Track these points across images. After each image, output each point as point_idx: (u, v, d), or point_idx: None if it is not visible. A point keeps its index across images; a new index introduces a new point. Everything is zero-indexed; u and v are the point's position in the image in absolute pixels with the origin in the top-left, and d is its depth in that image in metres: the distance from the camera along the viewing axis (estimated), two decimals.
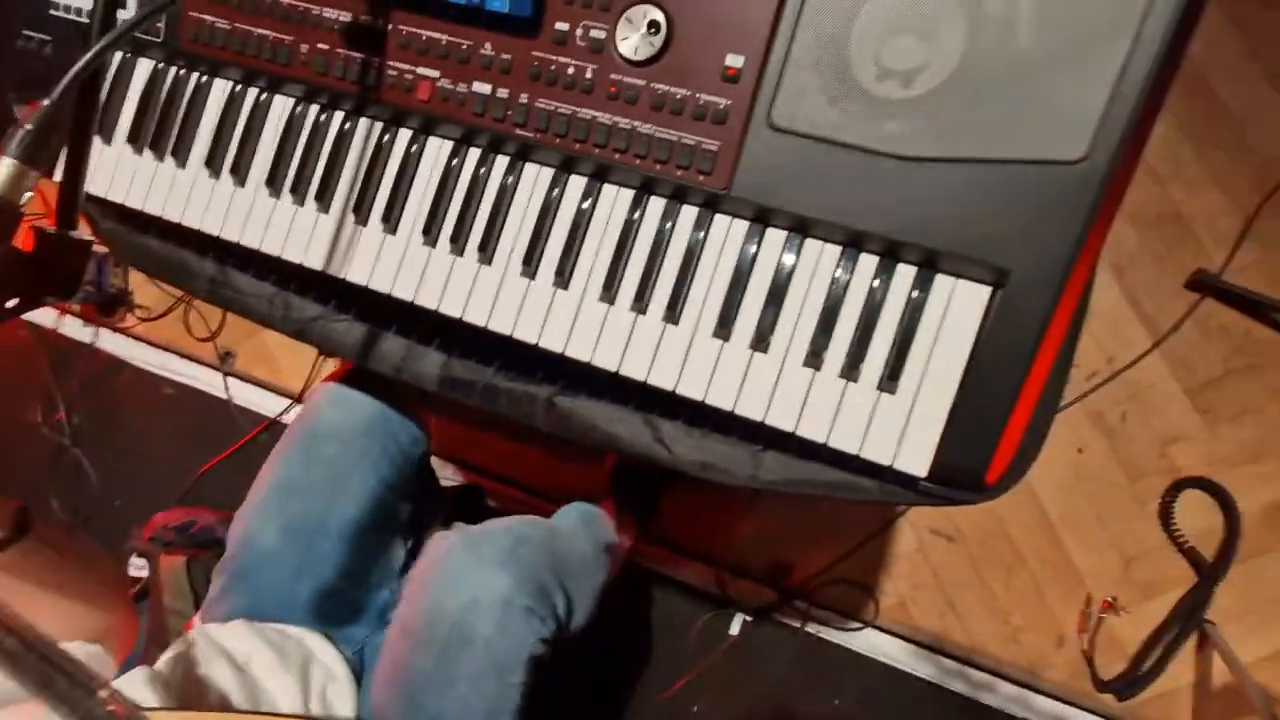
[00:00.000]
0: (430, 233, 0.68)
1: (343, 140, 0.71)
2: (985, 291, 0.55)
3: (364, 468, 0.80)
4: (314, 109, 0.72)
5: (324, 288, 0.74)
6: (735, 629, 1.45)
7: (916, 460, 0.56)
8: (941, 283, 0.57)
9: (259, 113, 0.73)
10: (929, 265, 0.57)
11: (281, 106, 0.73)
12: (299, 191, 0.72)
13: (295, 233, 0.71)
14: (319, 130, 0.72)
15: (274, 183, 0.72)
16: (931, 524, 1.45)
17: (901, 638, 1.42)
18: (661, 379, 0.62)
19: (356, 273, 0.69)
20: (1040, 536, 1.41)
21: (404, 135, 0.69)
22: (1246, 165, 1.36)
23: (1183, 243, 1.37)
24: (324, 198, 0.70)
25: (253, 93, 0.74)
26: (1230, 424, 1.33)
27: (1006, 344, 0.54)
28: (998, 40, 0.52)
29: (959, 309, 0.56)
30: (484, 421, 1.56)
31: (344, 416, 0.82)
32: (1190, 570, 1.35)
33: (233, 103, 0.74)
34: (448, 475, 1.62)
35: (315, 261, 0.70)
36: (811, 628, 1.43)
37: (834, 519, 1.47)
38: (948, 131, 0.53)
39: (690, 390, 0.61)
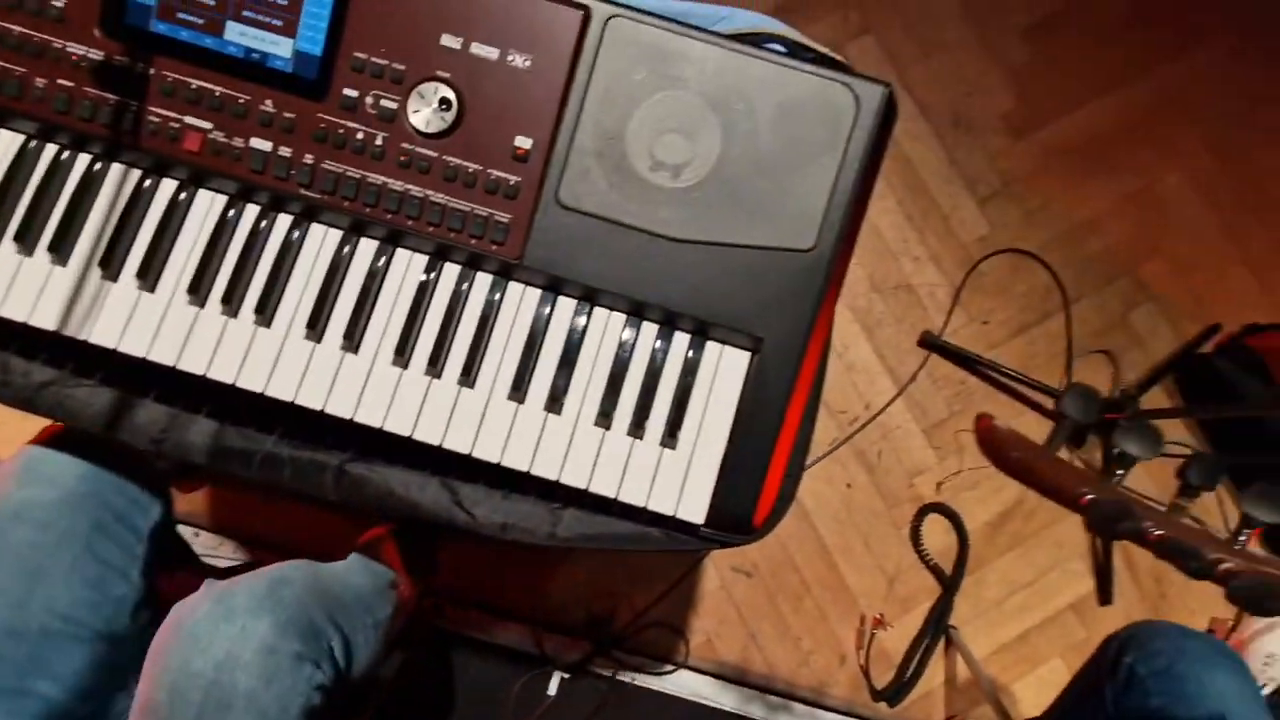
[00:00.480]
0: (198, 291, 0.62)
1: (89, 184, 0.63)
2: (746, 356, 0.64)
3: (72, 552, 0.64)
4: (51, 147, 0.64)
5: (59, 349, 0.64)
6: (553, 688, 1.43)
7: (696, 509, 0.62)
8: (711, 349, 0.64)
9: None
10: (701, 333, 0.64)
11: (8, 140, 0.63)
12: (25, 239, 0.62)
13: (19, 286, 0.61)
14: (57, 170, 0.63)
15: None
16: (731, 562, 1.56)
17: (708, 674, 1.49)
18: (458, 443, 0.62)
19: (103, 334, 0.61)
20: (821, 564, 1.57)
21: (168, 185, 0.64)
22: (953, 248, 1.70)
23: (913, 309, 1.66)
24: (60, 248, 0.62)
25: None
26: (954, 456, 1.61)
27: (763, 401, 0.63)
28: (746, 147, 0.61)
29: (725, 372, 0.63)
30: (267, 490, 1.41)
31: (40, 491, 0.66)
32: (936, 583, 1.58)
33: None
34: (224, 553, 1.43)
35: (47, 320, 0.61)
36: (626, 675, 1.45)
37: (644, 565, 1.52)
38: (709, 219, 0.61)
39: (487, 453, 0.62)
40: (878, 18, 1.81)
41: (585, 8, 0.60)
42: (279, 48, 0.61)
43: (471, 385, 0.62)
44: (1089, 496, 0.46)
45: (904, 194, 1.73)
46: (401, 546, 1.22)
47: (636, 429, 0.63)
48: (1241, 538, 0.48)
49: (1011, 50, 1.81)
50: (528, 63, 0.60)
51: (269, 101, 0.61)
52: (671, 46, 0.61)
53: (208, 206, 0.64)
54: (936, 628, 1.54)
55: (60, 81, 0.61)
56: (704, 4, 0.81)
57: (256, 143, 0.61)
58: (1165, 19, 1.85)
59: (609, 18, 0.60)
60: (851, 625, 1.56)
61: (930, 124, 1.77)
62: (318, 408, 0.62)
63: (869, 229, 1.71)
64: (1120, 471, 1.47)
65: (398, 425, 0.62)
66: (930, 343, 1.61)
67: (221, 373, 0.61)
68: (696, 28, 0.62)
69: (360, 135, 0.61)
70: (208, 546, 1.42)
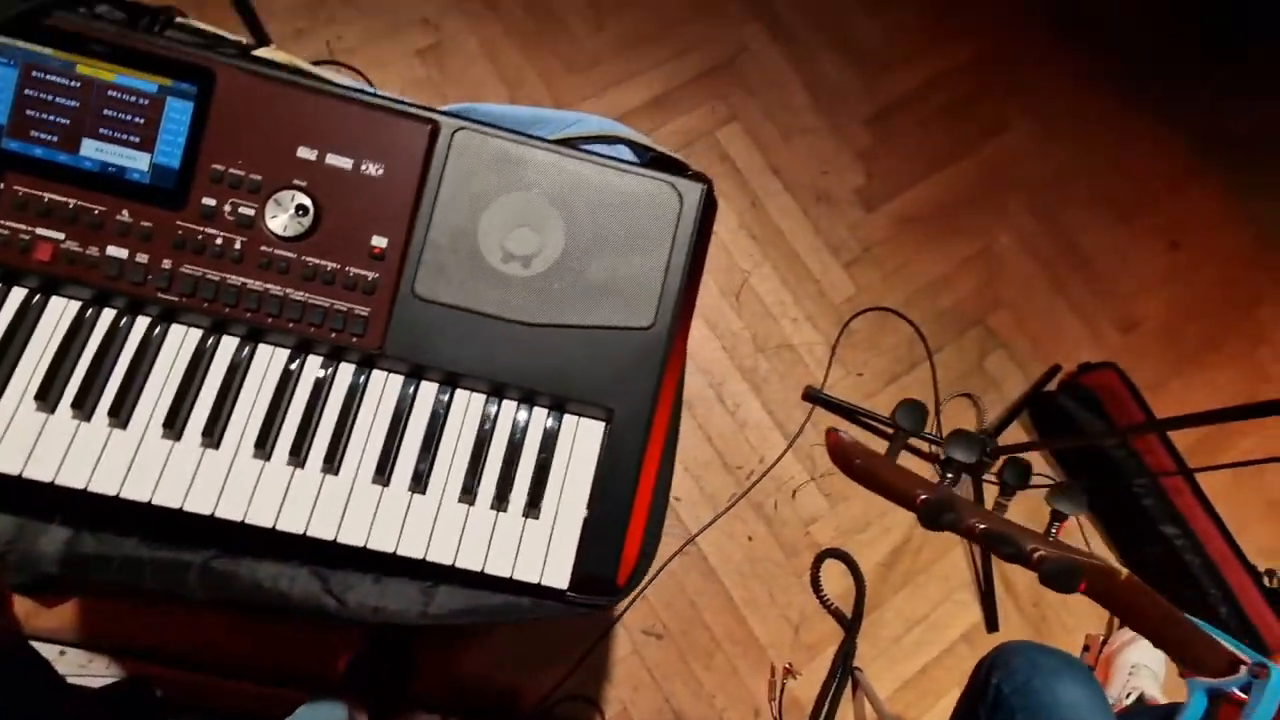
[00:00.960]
0: (46, 397, 0.62)
1: None
2: (600, 427, 0.69)
3: None
4: None
5: None
6: None
7: (559, 575, 0.65)
8: (568, 422, 0.69)
9: None
10: (558, 408, 0.69)
11: None
12: None
13: None
14: None
15: None
16: (642, 625, 1.57)
17: None
18: (324, 530, 0.63)
19: None
20: (729, 618, 1.60)
21: (17, 293, 0.64)
22: (826, 309, 1.85)
23: (796, 366, 1.78)
24: None
25: None
26: (844, 502, 1.70)
27: (619, 467, 0.67)
28: (587, 239, 0.68)
29: (582, 443, 0.68)
30: (129, 595, 1.32)
31: None
32: (838, 627, 1.64)
33: None
34: (95, 670, 1.31)
35: None
36: None
37: (554, 638, 1.50)
38: (558, 304, 0.67)
39: (353, 538, 0.63)
40: (741, 108, 2.00)
41: (434, 122, 0.67)
42: (136, 161, 0.64)
43: (335, 472, 0.64)
44: (922, 496, 0.53)
45: (779, 262, 1.88)
46: (363, 688, 1.16)
47: (500, 502, 0.66)
48: (1053, 529, 0.56)
49: (858, 135, 2.04)
50: (380, 171, 0.65)
51: (125, 212, 0.63)
52: (515, 154, 0.68)
53: (60, 312, 0.64)
54: (843, 671, 1.59)
55: None
56: (557, 111, 0.91)
57: (113, 250, 0.63)
58: (978, 110, 2.14)
59: (455, 130, 0.67)
60: (763, 677, 1.58)
61: (797, 201, 1.95)
62: (175, 506, 0.61)
63: (751, 294, 1.84)
64: (1003, 502, 1.61)
65: (260, 517, 0.62)
66: (813, 396, 1.72)
67: (72, 478, 0.61)
68: (538, 137, 0.69)
69: (219, 241, 0.64)
70: (76, 665, 1.30)
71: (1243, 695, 0.51)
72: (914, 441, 1.70)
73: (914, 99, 2.12)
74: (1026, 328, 1.96)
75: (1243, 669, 0.52)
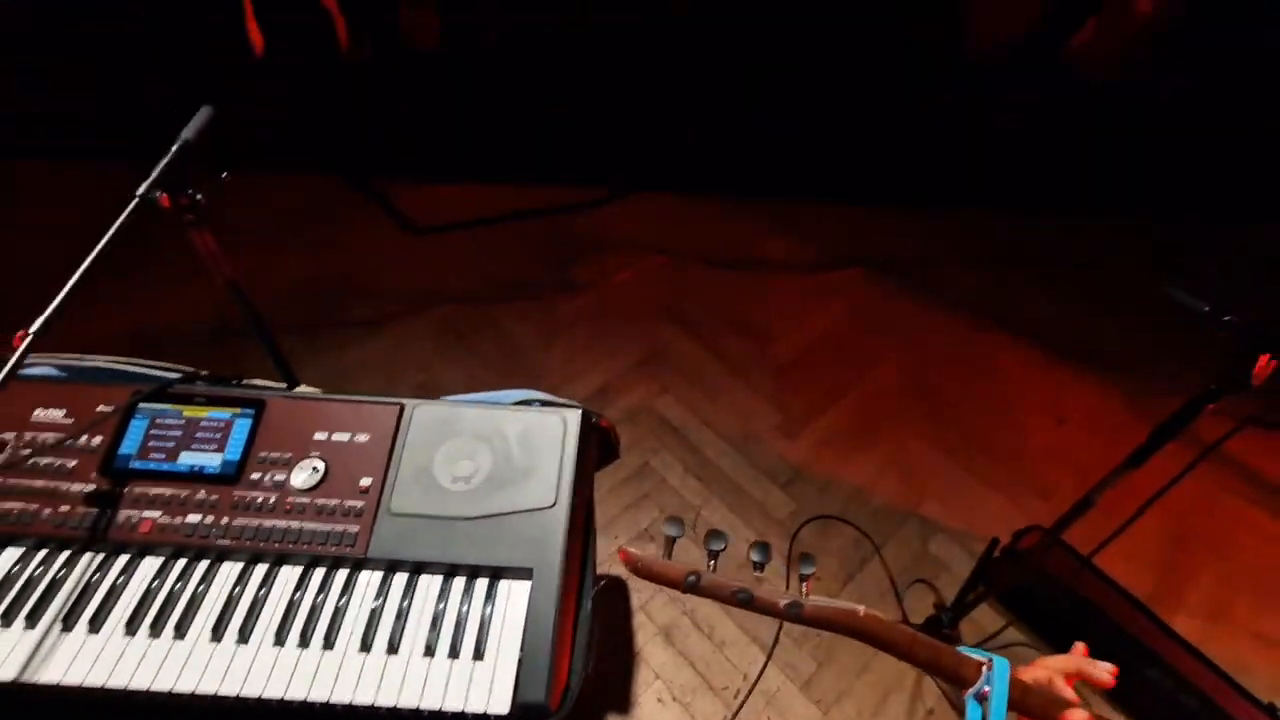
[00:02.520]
0: (131, 627, 0.87)
1: (67, 568, 0.91)
2: (526, 585, 0.92)
3: None
4: (41, 552, 0.93)
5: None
6: None
7: (502, 702, 0.83)
8: (503, 586, 0.93)
9: None
10: (495, 577, 0.94)
11: (10, 554, 0.93)
12: (8, 617, 0.87)
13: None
14: (43, 564, 0.92)
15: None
16: None
17: None
18: (320, 694, 0.83)
19: (57, 675, 0.83)
20: None
21: (122, 559, 0.93)
22: (773, 525, 2.08)
23: (759, 581, 1.94)
24: (34, 617, 0.87)
25: None
26: (836, 707, 1.71)
27: (542, 612, 0.89)
28: (507, 457, 1.01)
29: (514, 600, 0.91)
30: None
31: None
32: None
33: None
34: None
35: (9, 673, 0.82)
36: None
37: None
38: (490, 501, 0.97)
39: (340, 696, 0.82)
40: (671, 384, 2.50)
41: (401, 405, 1.05)
42: (213, 460, 0.99)
43: (331, 648, 0.86)
44: (690, 578, 0.74)
45: (724, 494, 2.17)
46: None
47: (453, 653, 0.86)
48: (803, 587, 0.76)
49: (767, 386, 2.50)
50: (367, 438, 1.01)
51: (202, 491, 0.96)
52: (453, 414, 1.04)
53: (149, 568, 0.93)
54: None
55: (61, 509, 0.94)
56: (499, 391, 1.30)
57: (191, 518, 0.94)
58: (859, 351, 2.67)
59: (415, 407, 1.05)
60: None
61: (729, 443, 2.32)
62: (231, 694, 0.82)
63: (705, 524, 2.08)
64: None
65: (275, 692, 0.82)
66: None
67: (164, 682, 0.82)
68: (469, 402, 1.07)
69: (260, 499, 0.96)
70: None
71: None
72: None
73: (804, 353, 2.65)
74: (956, 510, 2.17)
75: (984, 669, 0.70)
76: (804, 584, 0.79)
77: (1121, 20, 3.47)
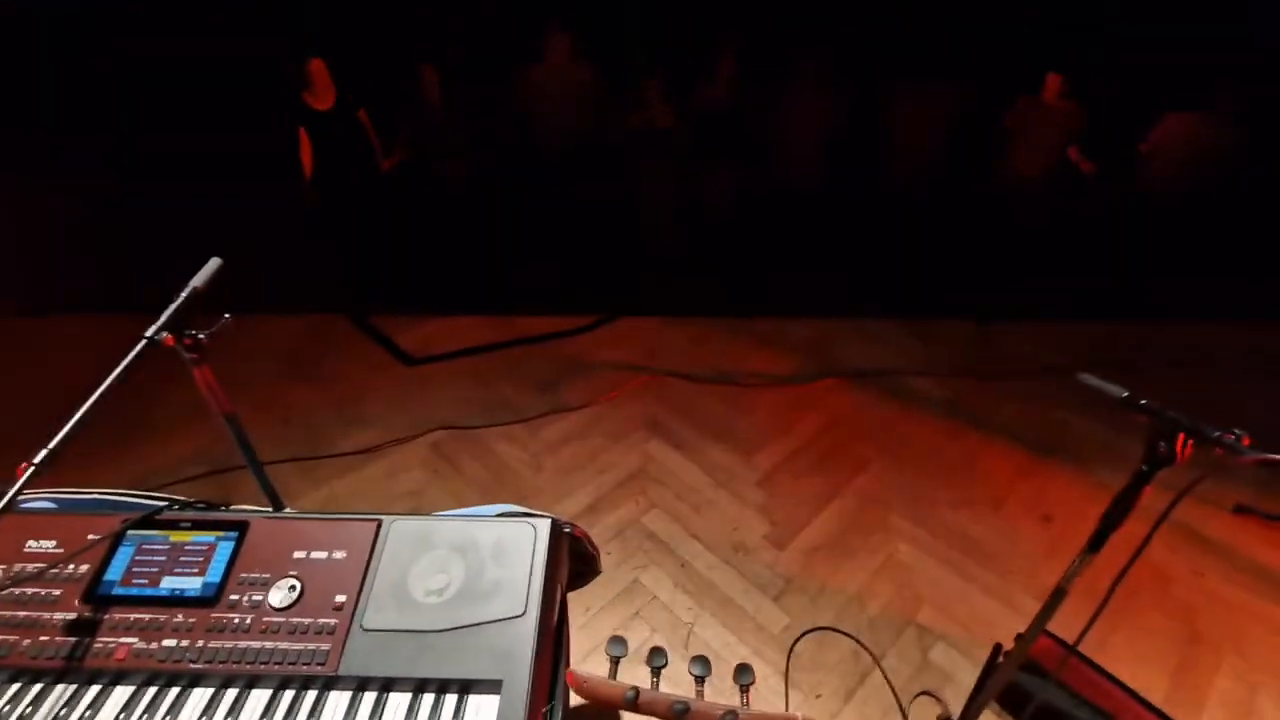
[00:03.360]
0: None
1: (37, 703, 0.91)
2: (495, 699, 0.92)
3: None
4: (13, 686, 0.93)
5: None
6: None
7: None
8: (472, 701, 0.92)
9: None
10: (464, 691, 0.93)
11: None
12: None
13: None
14: (16, 698, 0.91)
15: None
16: None
17: None
18: None
19: None
20: None
21: (94, 688, 0.93)
22: (768, 640, 2.01)
23: (758, 701, 1.84)
24: None
25: None
26: None
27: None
28: (479, 567, 1.03)
29: (483, 715, 0.90)
30: None
31: None
32: None
33: None
34: None
35: None
36: None
37: None
38: (462, 612, 0.98)
39: None
40: (657, 498, 2.51)
41: (379, 520, 1.09)
42: (193, 584, 1.01)
43: None
44: (628, 694, 0.75)
45: (715, 609, 2.11)
46: None
47: None
48: (744, 698, 0.77)
49: (753, 495, 2.52)
50: (344, 555, 1.04)
51: (180, 615, 0.98)
52: (428, 528, 1.08)
53: (122, 695, 0.92)
54: None
55: (41, 639, 0.95)
56: (479, 506, 1.34)
57: (167, 642, 0.95)
58: (840, 457, 2.71)
59: (392, 522, 1.08)
60: None
61: (718, 555, 2.29)
62: None
63: (701, 644, 2.01)
64: None
65: None
66: None
67: None
68: (445, 515, 1.11)
69: (236, 620, 0.97)
70: None
71: None
72: None
73: (788, 461, 2.68)
74: (954, 616, 2.11)
75: None
76: (744, 694, 0.81)
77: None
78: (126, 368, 1.05)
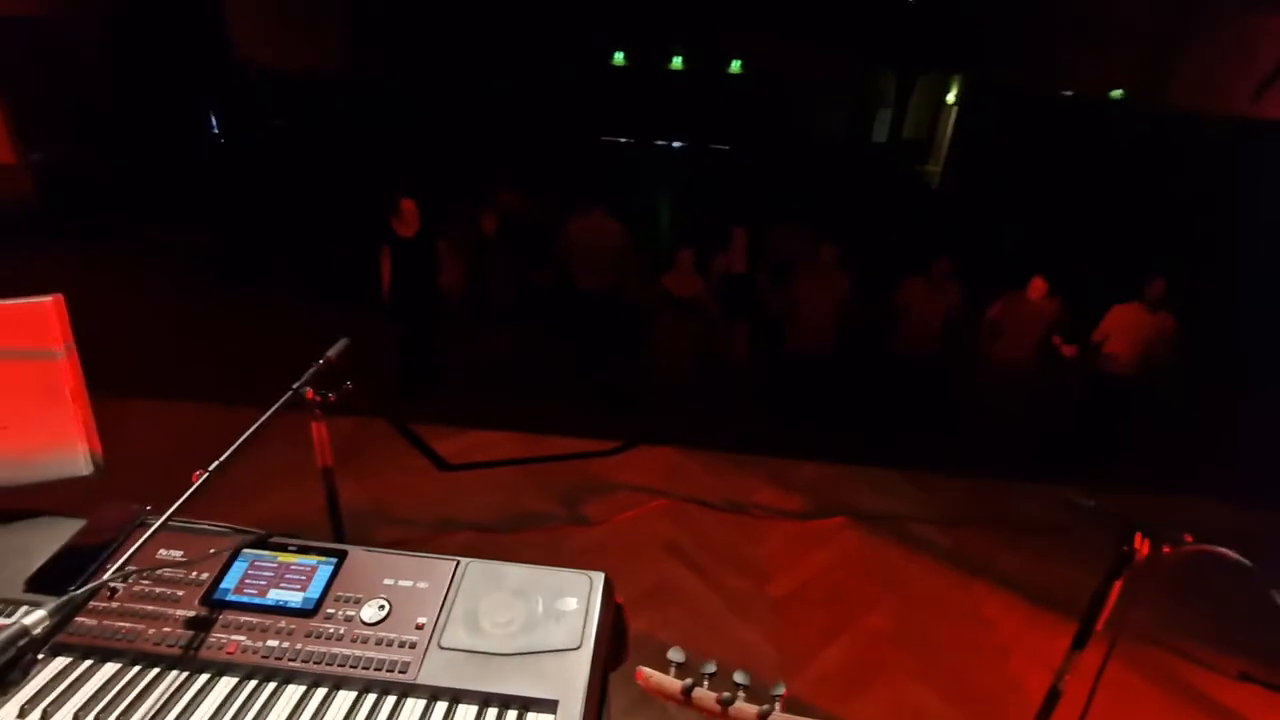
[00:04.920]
0: None
1: (151, 687, 1.03)
2: (552, 718, 1.03)
3: None
4: (135, 668, 1.06)
5: None
6: None
7: None
8: (531, 718, 1.03)
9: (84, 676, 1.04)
10: (524, 709, 1.04)
11: (109, 668, 1.05)
12: None
13: None
14: (134, 681, 1.03)
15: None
16: None
17: None
18: None
19: None
20: None
21: (203, 677, 1.05)
22: None
23: None
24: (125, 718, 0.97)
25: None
26: None
27: None
28: (542, 607, 1.18)
29: None
30: None
31: None
32: None
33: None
34: None
35: None
36: None
37: None
38: (524, 642, 1.12)
39: None
40: (673, 615, 2.55)
41: (457, 561, 1.25)
42: (296, 597, 1.16)
43: None
44: (687, 682, 0.88)
45: None
46: None
47: None
48: (775, 703, 0.90)
49: (764, 620, 2.56)
50: (426, 585, 1.19)
51: (283, 622, 1.12)
52: (500, 570, 1.24)
53: (225, 687, 1.04)
54: None
55: (164, 630, 1.09)
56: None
57: (272, 642, 1.08)
58: (849, 592, 2.77)
59: (468, 564, 1.25)
60: None
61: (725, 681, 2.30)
62: None
63: None
64: None
65: None
66: None
67: None
68: (514, 562, 1.27)
69: (331, 629, 1.11)
70: None
71: None
72: None
73: (798, 592, 2.75)
74: None
75: None
76: (776, 702, 0.93)
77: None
78: (274, 413, 1.29)
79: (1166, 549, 1.09)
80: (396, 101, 10.65)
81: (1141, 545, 1.11)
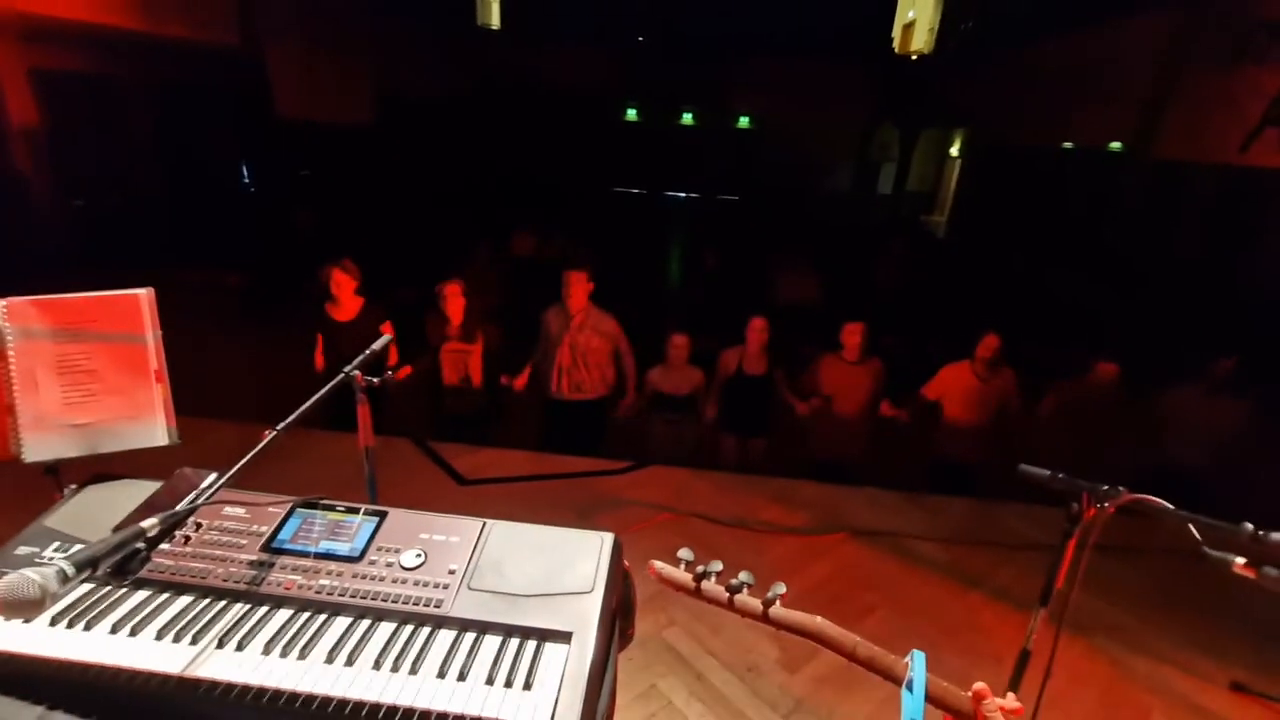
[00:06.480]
0: (282, 650, 1.11)
1: (221, 613, 1.18)
2: (565, 648, 1.16)
3: None
4: (204, 600, 1.21)
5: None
6: None
7: (543, 714, 1.02)
8: (548, 646, 1.17)
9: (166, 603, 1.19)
10: (542, 640, 1.18)
11: (184, 600, 1.20)
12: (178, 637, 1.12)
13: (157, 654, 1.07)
14: (208, 609, 1.18)
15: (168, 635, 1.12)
16: None
17: None
18: (406, 701, 1.03)
19: (210, 673, 1.05)
20: None
21: (261, 609, 1.20)
22: None
23: None
24: (199, 639, 1.12)
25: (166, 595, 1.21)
26: None
27: (577, 664, 1.12)
28: (560, 559, 1.32)
29: (556, 654, 1.14)
30: None
31: None
32: None
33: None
34: None
35: (174, 667, 1.05)
36: None
37: None
38: (545, 585, 1.26)
39: (422, 702, 1.03)
40: (677, 615, 2.65)
41: (484, 522, 1.40)
42: (344, 547, 1.31)
43: (415, 673, 1.08)
44: (700, 569, 1.01)
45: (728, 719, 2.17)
46: None
47: (507, 685, 1.08)
48: (777, 600, 1.02)
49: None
50: (458, 539, 1.34)
51: (332, 565, 1.27)
52: (521, 530, 1.39)
53: (282, 616, 1.19)
54: None
55: (231, 569, 1.25)
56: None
57: (323, 581, 1.23)
58: (848, 599, 2.85)
59: (493, 525, 1.40)
60: None
61: (733, 672, 2.39)
62: (323, 692, 1.03)
63: None
64: None
65: (373, 697, 1.03)
66: None
67: (290, 684, 1.04)
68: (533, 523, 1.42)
69: (375, 572, 1.26)
70: None
71: None
72: None
73: (800, 600, 2.82)
74: None
75: (907, 663, 0.96)
76: (778, 599, 1.07)
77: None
78: (324, 395, 1.47)
79: (1109, 506, 1.22)
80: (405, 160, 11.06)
81: (1088, 506, 1.24)
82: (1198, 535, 1.10)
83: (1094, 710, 2.37)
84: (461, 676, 1.09)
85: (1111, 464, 3.62)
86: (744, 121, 14.11)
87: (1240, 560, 1.01)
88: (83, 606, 1.18)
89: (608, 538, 1.38)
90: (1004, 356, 3.65)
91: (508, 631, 1.19)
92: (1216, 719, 2.41)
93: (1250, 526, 1.06)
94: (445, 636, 1.18)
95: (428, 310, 3.62)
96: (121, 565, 0.93)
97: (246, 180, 11.70)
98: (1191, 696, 2.49)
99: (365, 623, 1.20)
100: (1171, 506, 1.11)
